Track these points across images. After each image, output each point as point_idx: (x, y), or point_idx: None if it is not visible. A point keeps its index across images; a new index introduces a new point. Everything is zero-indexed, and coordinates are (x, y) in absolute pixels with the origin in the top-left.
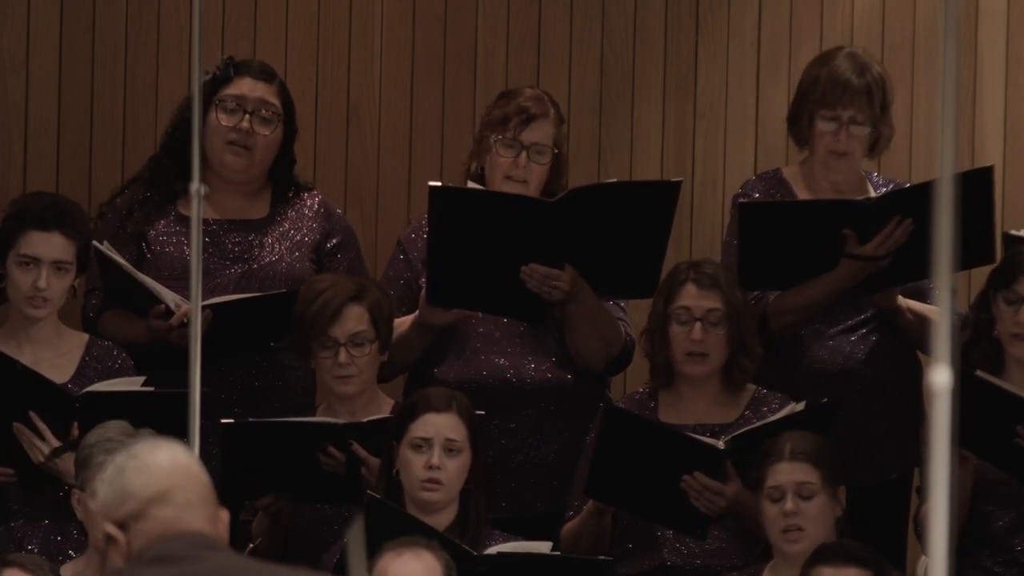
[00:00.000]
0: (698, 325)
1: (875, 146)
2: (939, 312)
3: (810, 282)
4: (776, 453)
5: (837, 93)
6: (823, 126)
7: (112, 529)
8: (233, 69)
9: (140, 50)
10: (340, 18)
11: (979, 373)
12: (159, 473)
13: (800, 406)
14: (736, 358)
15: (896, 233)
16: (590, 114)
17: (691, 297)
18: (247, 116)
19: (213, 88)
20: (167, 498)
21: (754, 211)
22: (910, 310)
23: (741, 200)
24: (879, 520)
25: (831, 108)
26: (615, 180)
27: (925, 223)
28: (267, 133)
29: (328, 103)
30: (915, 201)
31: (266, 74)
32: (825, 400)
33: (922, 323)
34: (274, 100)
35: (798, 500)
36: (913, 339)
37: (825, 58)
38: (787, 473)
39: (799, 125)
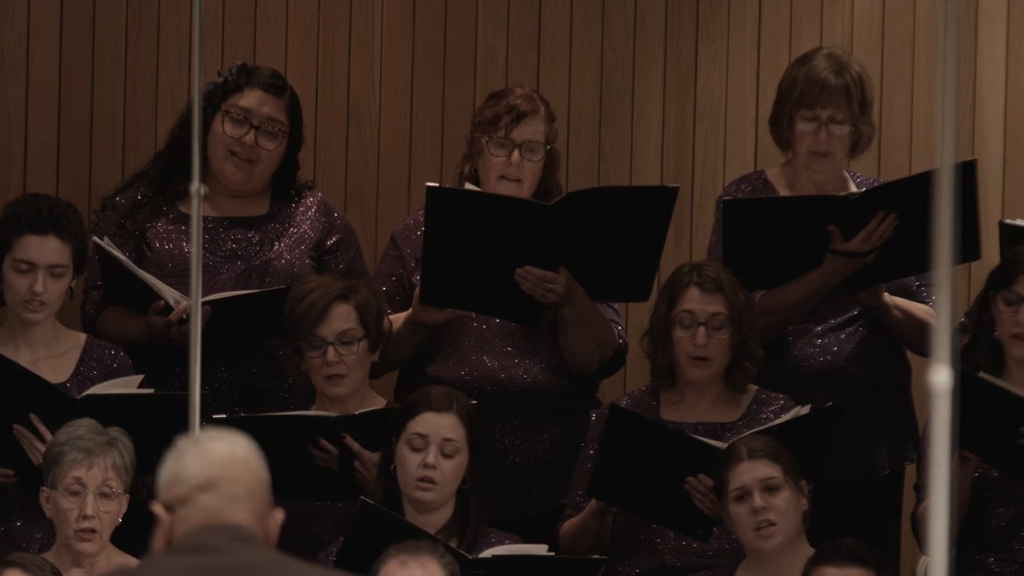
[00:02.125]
0: (702, 330)
1: (856, 146)
2: (939, 310)
3: (796, 280)
4: (734, 456)
5: (815, 93)
6: (803, 127)
7: (159, 510)
8: (245, 78)
9: (140, 50)
10: (340, 18)
11: (982, 375)
12: (213, 462)
13: (805, 410)
14: (738, 360)
15: (880, 228)
16: (590, 114)
17: (694, 301)
18: (252, 131)
19: (223, 94)
20: (214, 487)
21: (738, 208)
22: (897, 307)
23: (725, 198)
24: (871, 517)
25: (810, 108)
26: (612, 185)
27: (909, 218)
28: (271, 148)
29: (328, 103)
30: (899, 196)
31: (277, 88)
32: (830, 404)
33: (909, 320)
34: (281, 116)
35: (766, 495)
36: (900, 336)
37: (804, 59)
38: (749, 472)
39: (780, 127)
